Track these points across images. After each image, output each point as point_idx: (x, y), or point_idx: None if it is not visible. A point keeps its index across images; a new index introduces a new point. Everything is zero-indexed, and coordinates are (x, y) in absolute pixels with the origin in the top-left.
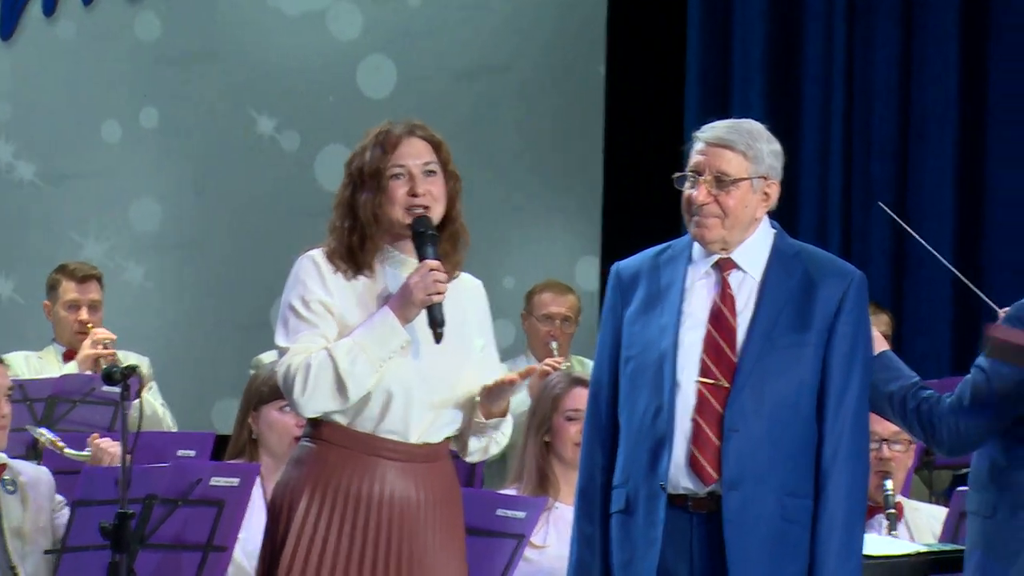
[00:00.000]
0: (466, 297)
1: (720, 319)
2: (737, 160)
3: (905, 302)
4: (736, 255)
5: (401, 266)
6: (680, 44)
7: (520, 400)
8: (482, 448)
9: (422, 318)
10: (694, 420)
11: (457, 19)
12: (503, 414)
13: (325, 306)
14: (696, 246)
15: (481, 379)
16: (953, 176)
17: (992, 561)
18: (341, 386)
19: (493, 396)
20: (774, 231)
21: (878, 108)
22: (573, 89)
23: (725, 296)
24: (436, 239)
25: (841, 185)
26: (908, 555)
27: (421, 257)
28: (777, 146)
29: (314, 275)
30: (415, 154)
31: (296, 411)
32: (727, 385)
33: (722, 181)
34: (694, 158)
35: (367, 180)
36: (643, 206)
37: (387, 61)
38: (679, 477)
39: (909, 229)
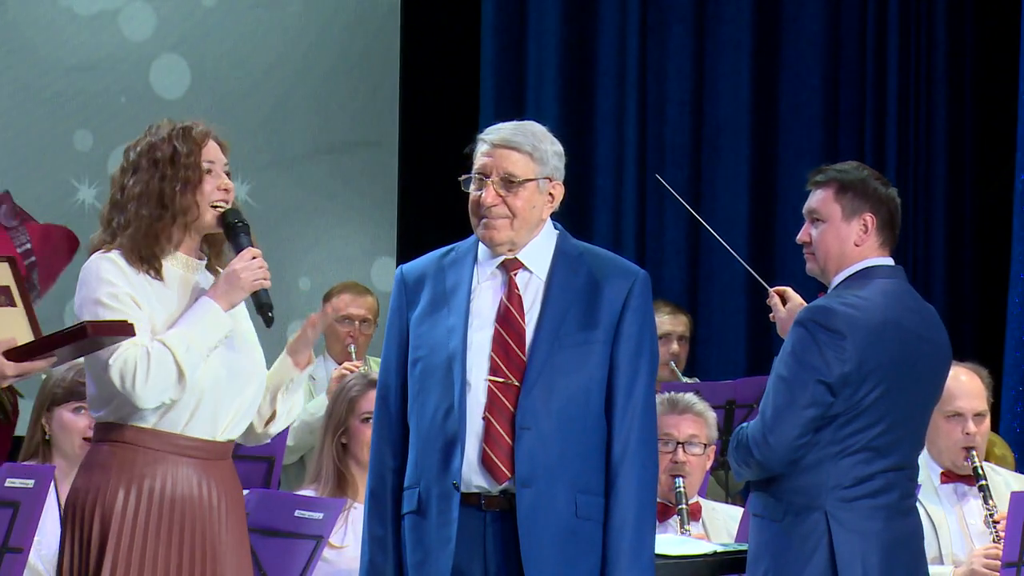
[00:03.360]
0: None
1: (508, 318)
2: (524, 161)
3: (700, 304)
4: (522, 255)
5: (191, 268)
6: (475, 47)
7: (318, 403)
8: (287, 410)
9: (232, 316)
10: (485, 418)
11: (251, 19)
12: (310, 362)
13: (134, 300)
14: (481, 247)
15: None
16: (746, 184)
17: (784, 565)
18: (181, 375)
19: (301, 344)
20: (557, 232)
21: (671, 116)
22: (368, 90)
23: (512, 296)
24: (249, 229)
25: (636, 188)
26: (704, 555)
27: (237, 247)
28: (559, 147)
29: (116, 272)
30: (218, 151)
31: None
32: (517, 384)
33: (510, 182)
34: (480, 160)
35: (178, 172)
36: (439, 207)
37: (180, 61)
38: (472, 476)
39: (688, 205)
